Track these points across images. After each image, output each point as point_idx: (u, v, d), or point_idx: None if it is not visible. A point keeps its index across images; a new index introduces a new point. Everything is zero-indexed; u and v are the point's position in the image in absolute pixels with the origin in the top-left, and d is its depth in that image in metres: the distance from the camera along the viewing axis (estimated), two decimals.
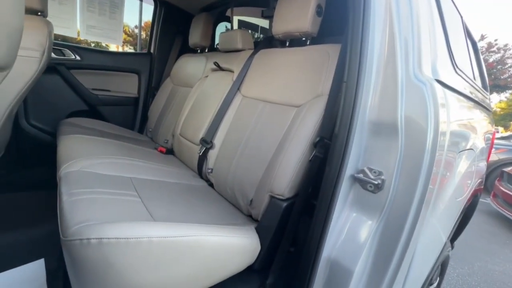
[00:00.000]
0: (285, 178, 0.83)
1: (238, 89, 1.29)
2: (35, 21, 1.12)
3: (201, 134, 1.33)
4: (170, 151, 1.58)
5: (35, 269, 0.93)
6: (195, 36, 1.82)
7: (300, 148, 0.84)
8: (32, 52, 1.09)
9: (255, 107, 1.15)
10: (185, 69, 1.89)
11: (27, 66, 1.09)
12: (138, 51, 2.45)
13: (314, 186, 0.86)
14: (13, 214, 1.14)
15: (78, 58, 1.81)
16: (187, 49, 2.08)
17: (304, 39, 1.11)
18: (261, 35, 3.11)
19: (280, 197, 0.83)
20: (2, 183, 1.37)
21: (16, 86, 1.11)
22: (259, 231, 0.84)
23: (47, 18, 1.30)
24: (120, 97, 2.04)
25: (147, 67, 2.12)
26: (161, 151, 1.55)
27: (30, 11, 1.22)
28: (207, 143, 1.25)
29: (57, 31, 1.74)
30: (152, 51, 2.15)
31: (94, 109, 1.94)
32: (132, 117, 2.13)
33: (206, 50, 1.90)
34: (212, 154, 1.24)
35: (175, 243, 0.61)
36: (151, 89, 2.15)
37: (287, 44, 1.19)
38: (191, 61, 1.87)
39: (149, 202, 0.83)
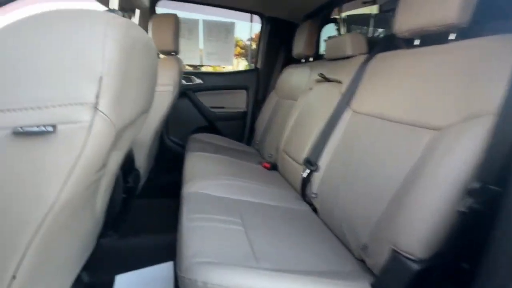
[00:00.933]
0: (417, 232, 0.61)
1: (348, 103, 1.11)
2: (169, 61, 1.37)
3: (304, 153, 1.24)
4: (274, 166, 1.59)
5: (165, 270, 1.12)
6: (299, 46, 1.75)
7: (442, 191, 0.60)
8: (167, 87, 1.33)
9: (369, 126, 0.95)
10: (289, 81, 1.86)
11: (164, 99, 1.35)
12: (249, 64, 2.65)
13: (466, 244, 0.60)
14: (152, 217, 1.43)
15: (201, 81, 2.12)
16: (291, 60, 2.05)
17: (445, 33, 0.82)
18: (376, 30, 2.69)
19: (409, 256, 0.62)
20: (149, 190, 1.75)
21: (158, 114, 1.39)
22: None
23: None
24: (232, 112, 2.25)
25: (254, 82, 2.24)
26: (265, 167, 1.57)
27: (166, 53, 1.51)
28: (311, 164, 1.15)
29: (186, 61, 2.11)
30: (258, 66, 2.25)
31: (212, 124, 2.23)
32: (241, 130, 2.31)
33: (311, 59, 1.79)
34: (317, 177, 1.12)
35: None
36: (257, 103, 2.26)
37: (417, 43, 0.92)
38: (294, 73, 1.82)
39: (251, 232, 0.82)
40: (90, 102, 0.36)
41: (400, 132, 0.82)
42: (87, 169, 0.40)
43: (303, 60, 1.88)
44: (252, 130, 2.24)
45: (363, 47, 1.25)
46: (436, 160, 0.65)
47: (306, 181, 1.18)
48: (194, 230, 0.77)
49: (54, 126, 0.34)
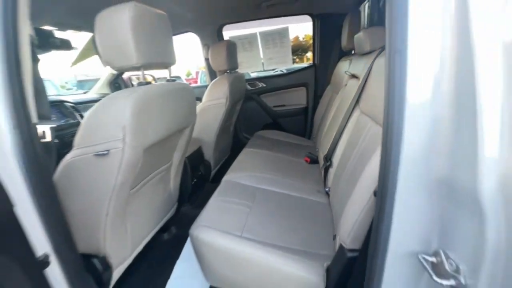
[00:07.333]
0: (348, 224, 0.71)
1: (358, 101, 1.13)
2: (221, 80, 1.76)
3: (327, 149, 1.34)
4: (315, 160, 1.70)
5: None
6: (344, 38, 1.74)
7: (366, 191, 0.67)
8: (220, 100, 1.72)
9: (364, 126, 0.98)
10: (338, 75, 1.87)
11: (219, 109, 1.75)
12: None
13: None
14: None
15: (264, 85, 2.43)
16: (345, 53, 2.01)
17: None
18: None
19: (344, 244, 0.73)
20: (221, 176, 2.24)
21: (217, 120, 1.80)
22: (329, 271, 0.79)
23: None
24: (293, 109, 2.44)
25: (313, 78, 2.33)
26: (306, 161, 1.72)
27: (222, 72, 1.91)
28: (327, 160, 1.25)
29: (249, 69, 2.46)
30: (316, 62, 2.31)
31: (276, 121, 2.50)
32: (303, 125, 2.46)
33: (353, 52, 1.73)
34: (331, 173, 1.22)
35: (242, 256, 0.82)
36: (317, 98, 2.34)
37: None
38: (342, 67, 1.82)
39: (253, 212, 1.08)
40: (120, 138, 0.75)
41: (379, 133, 0.84)
42: (129, 166, 0.81)
43: (353, 52, 1.82)
44: (312, 124, 2.36)
45: (382, 41, 1.18)
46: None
47: (325, 176, 1.29)
48: (211, 206, 1.11)
49: (108, 151, 0.76)
